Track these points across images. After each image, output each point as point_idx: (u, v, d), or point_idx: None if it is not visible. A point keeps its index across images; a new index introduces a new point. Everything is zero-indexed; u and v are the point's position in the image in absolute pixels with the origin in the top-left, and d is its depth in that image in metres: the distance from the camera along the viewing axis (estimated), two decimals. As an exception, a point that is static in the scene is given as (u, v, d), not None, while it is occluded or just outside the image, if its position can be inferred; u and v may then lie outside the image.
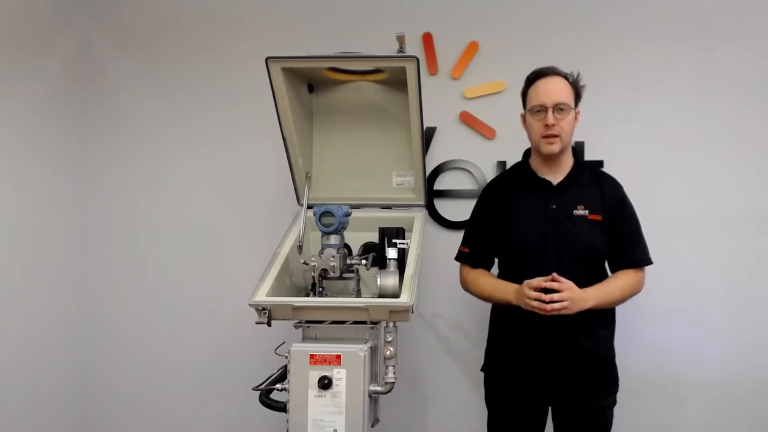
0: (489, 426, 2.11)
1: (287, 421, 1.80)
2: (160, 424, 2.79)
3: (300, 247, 2.00)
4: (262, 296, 1.85)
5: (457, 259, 2.15)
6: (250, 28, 2.72)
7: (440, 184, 2.60)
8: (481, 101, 2.57)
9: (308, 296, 2.05)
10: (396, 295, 1.85)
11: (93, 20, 2.81)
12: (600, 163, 2.46)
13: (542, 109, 1.91)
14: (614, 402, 2.02)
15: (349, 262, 2.02)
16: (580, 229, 1.94)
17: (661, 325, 2.47)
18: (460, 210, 2.49)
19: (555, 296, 1.80)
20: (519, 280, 1.91)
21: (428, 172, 2.49)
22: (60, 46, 2.70)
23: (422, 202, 2.28)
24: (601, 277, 2.00)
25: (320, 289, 2.03)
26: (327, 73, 2.22)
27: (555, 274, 1.83)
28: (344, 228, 2.01)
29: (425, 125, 2.21)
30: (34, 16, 2.56)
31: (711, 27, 2.45)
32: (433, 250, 2.42)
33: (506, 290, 1.95)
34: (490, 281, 2.04)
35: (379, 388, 1.81)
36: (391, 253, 1.92)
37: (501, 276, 2.06)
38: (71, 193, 2.76)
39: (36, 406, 2.57)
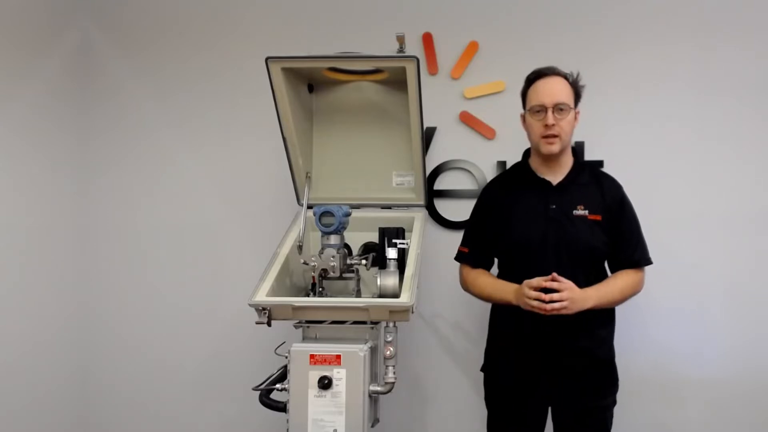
0: (489, 426, 2.11)
1: (287, 421, 1.80)
2: (160, 424, 2.79)
3: (300, 247, 2.00)
4: (262, 296, 1.85)
5: (456, 259, 2.15)
6: (250, 28, 2.72)
7: (440, 184, 2.60)
8: (481, 101, 2.57)
9: (308, 296, 2.05)
10: (396, 295, 1.85)
11: (93, 20, 2.81)
12: (600, 163, 2.46)
13: (542, 109, 1.91)
14: (614, 402, 2.02)
15: (349, 262, 2.02)
16: (579, 229, 1.94)
17: (661, 325, 2.47)
18: (460, 210, 2.50)
19: (555, 296, 1.80)
20: (519, 280, 1.91)
21: (428, 172, 2.49)
22: (60, 46, 2.70)
23: (422, 202, 2.28)
24: (601, 277, 2.00)
25: (320, 289, 2.03)
26: (327, 73, 2.22)
27: (555, 274, 1.83)
28: (344, 228, 2.01)
29: (425, 125, 2.22)
30: (34, 16, 2.56)
31: (711, 27, 2.45)
32: (433, 250, 2.42)
33: (506, 290, 1.95)
34: (489, 281, 2.04)
35: (379, 388, 1.81)
36: (391, 253, 1.92)
37: (501, 276, 2.06)
38: (71, 193, 2.76)
39: (36, 406, 2.57)
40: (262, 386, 1.85)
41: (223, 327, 2.73)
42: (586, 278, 1.93)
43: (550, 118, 1.90)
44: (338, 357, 1.78)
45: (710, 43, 2.45)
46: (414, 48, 2.53)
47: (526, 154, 2.11)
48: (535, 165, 2.04)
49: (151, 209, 2.79)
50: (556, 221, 1.94)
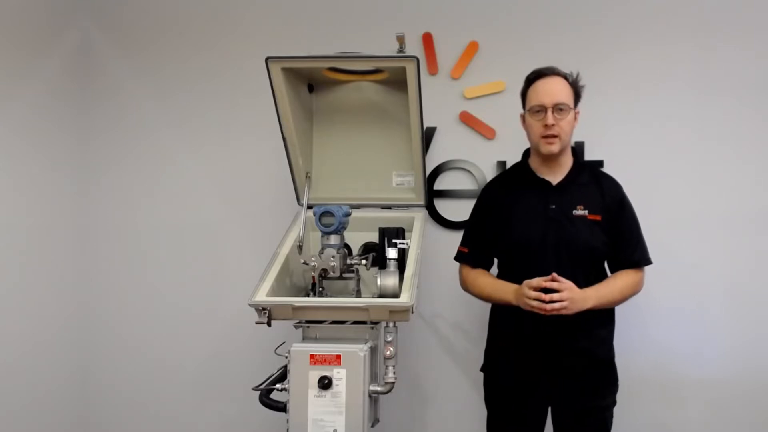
0: (489, 426, 2.11)
1: (287, 421, 1.80)
2: (160, 424, 2.79)
3: (300, 247, 2.00)
4: (262, 296, 1.85)
5: (456, 259, 2.15)
6: (250, 28, 2.72)
7: (440, 184, 2.60)
8: (481, 101, 2.57)
9: (308, 296, 2.05)
10: (396, 295, 1.85)
11: (93, 20, 2.81)
12: (600, 163, 2.46)
13: (542, 109, 1.91)
14: (614, 402, 2.02)
15: (349, 262, 2.02)
16: (579, 229, 1.94)
17: (661, 325, 2.47)
18: (460, 210, 2.49)
19: (555, 296, 1.80)
20: (518, 280, 1.91)
21: (428, 172, 2.49)
22: (60, 46, 2.70)
23: (422, 202, 2.28)
24: (601, 277, 2.00)
25: (320, 289, 2.03)
26: (327, 73, 2.22)
27: (555, 274, 1.83)
28: (344, 228, 2.01)
29: (425, 125, 2.21)
30: (34, 16, 2.56)
31: (711, 27, 2.45)
32: (433, 250, 2.42)
33: (506, 290, 1.95)
34: (489, 281, 2.04)
35: (379, 388, 1.81)
36: (391, 253, 1.92)
37: (500, 276, 2.06)
38: (71, 193, 2.76)
39: (36, 406, 2.57)
40: (262, 386, 1.85)
41: (223, 327, 2.73)
42: (586, 278, 1.93)
43: (550, 118, 1.90)
44: (338, 357, 1.78)
45: (710, 43, 2.45)
46: (414, 48, 2.53)
47: (526, 154, 2.11)
48: (535, 165, 2.04)
49: (151, 209, 2.79)
50: (556, 221, 1.94)
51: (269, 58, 2.03)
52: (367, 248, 2.17)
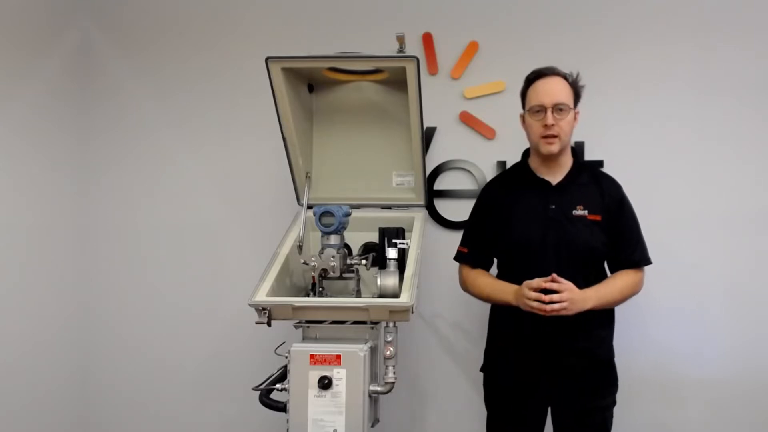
0: (488, 426, 2.11)
1: (287, 421, 1.80)
2: (160, 424, 2.79)
3: (300, 247, 2.00)
4: (262, 296, 1.85)
5: (456, 259, 2.14)
6: (250, 28, 2.72)
7: (440, 184, 2.60)
8: (481, 101, 2.57)
9: (308, 296, 2.05)
10: (396, 295, 1.85)
11: (93, 20, 2.81)
12: (600, 163, 2.46)
13: (541, 109, 1.91)
14: (614, 402, 2.02)
15: (349, 262, 2.02)
16: (579, 229, 1.93)
17: (661, 325, 2.47)
18: (460, 210, 2.49)
19: (555, 297, 1.80)
20: (518, 281, 1.91)
21: (428, 172, 2.49)
22: (60, 46, 2.70)
23: (422, 202, 2.28)
24: (601, 277, 2.00)
25: (320, 289, 2.03)
26: (327, 73, 2.22)
27: (554, 275, 1.83)
28: (344, 228, 2.01)
29: (425, 125, 2.21)
30: (34, 16, 2.56)
31: (711, 27, 2.45)
32: (433, 250, 2.42)
33: (505, 291, 1.95)
34: (489, 281, 2.04)
35: (379, 388, 1.81)
36: (391, 253, 1.92)
37: (500, 276, 2.06)
38: (71, 193, 2.76)
39: (36, 406, 2.57)
40: (262, 386, 1.85)
41: (223, 327, 2.73)
42: (586, 278, 1.93)
43: (550, 118, 1.90)
44: (338, 357, 1.78)
45: (710, 43, 2.45)
46: (414, 48, 2.53)
47: (526, 154, 2.11)
48: (535, 165, 2.04)
49: (151, 209, 2.79)
50: (556, 221, 1.94)
51: (269, 58, 2.03)
52: (367, 248, 2.17)
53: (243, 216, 2.72)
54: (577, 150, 2.43)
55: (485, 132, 2.57)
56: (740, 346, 2.43)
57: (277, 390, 1.83)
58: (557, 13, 2.53)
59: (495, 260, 2.14)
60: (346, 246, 2.09)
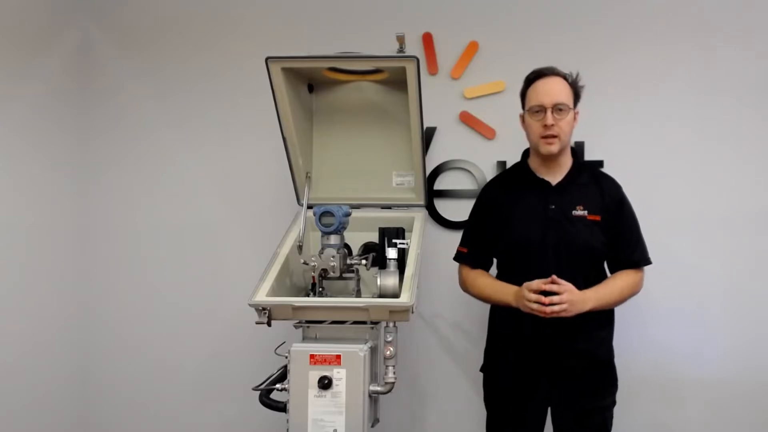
0: (488, 427, 2.11)
1: (287, 421, 1.80)
2: (160, 424, 2.79)
3: (300, 247, 2.00)
4: (262, 296, 1.85)
5: (455, 259, 2.14)
6: (250, 28, 2.72)
7: (440, 184, 2.60)
8: (481, 101, 2.57)
9: (308, 296, 2.05)
10: (396, 295, 1.85)
11: (93, 20, 2.81)
12: (600, 163, 2.46)
13: (541, 109, 1.91)
14: (614, 403, 2.02)
15: (349, 262, 2.02)
16: (579, 229, 1.93)
17: (661, 325, 2.47)
18: (460, 210, 2.49)
19: (554, 299, 1.80)
20: (518, 281, 1.91)
21: (428, 172, 2.49)
22: (60, 46, 2.70)
23: (422, 202, 2.28)
24: (601, 277, 2.00)
25: (320, 289, 2.03)
26: (327, 73, 2.22)
27: (554, 276, 1.83)
28: (344, 228, 2.01)
29: (425, 125, 2.21)
30: (34, 16, 2.56)
31: (711, 27, 2.45)
32: (433, 250, 2.42)
33: (505, 292, 1.95)
34: (489, 282, 2.04)
35: (379, 388, 1.81)
36: (391, 253, 1.92)
37: (500, 276, 2.06)
38: (71, 193, 2.76)
39: (36, 406, 2.57)
40: (262, 386, 1.85)
41: (223, 327, 2.73)
42: (586, 278, 1.93)
43: (549, 118, 1.90)
44: (338, 357, 1.78)
45: (710, 43, 2.45)
46: (414, 48, 2.53)
47: (525, 154, 2.11)
48: (535, 165, 2.04)
49: (151, 209, 2.79)
50: (556, 221, 1.94)
51: (269, 58, 2.03)
52: (367, 248, 2.17)
53: (243, 216, 2.72)
54: (577, 150, 2.43)
55: (485, 132, 2.57)
56: (740, 346, 2.43)
57: (277, 390, 1.83)
58: (557, 13, 2.53)
59: (495, 260, 2.14)
60: (346, 246, 2.09)
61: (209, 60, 2.74)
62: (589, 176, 2.03)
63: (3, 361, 2.42)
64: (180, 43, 2.76)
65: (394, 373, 1.81)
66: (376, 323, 1.86)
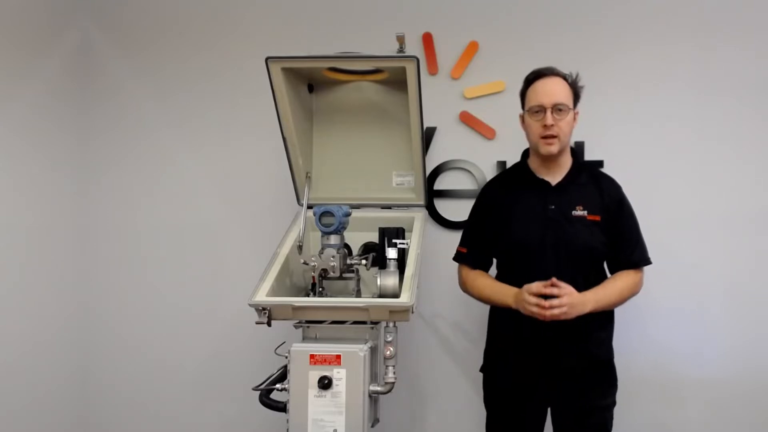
0: (488, 427, 2.11)
1: (287, 421, 1.80)
2: (160, 424, 2.79)
3: (300, 247, 2.00)
4: (262, 296, 1.85)
5: (455, 259, 2.14)
6: (250, 28, 2.72)
7: (440, 184, 2.60)
8: (481, 101, 2.57)
9: (308, 296, 2.05)
10: (396, 295, 1.84)
11: (93, 20, 2.81)
12: (600, 163, 2.46)
13: (541, 109, 1.91)
14: (614, 403, 2.02)
15: (349, 262, 2.02)
16: (578, 229, 1.93)
17: (661, 325, 2.47)
18: (460, 210, 2.49)
19: (554, 302, 1.80)
20: (518, 281, 1.91)
21: (428, 172, 2.49)
22: (60, 46, 2.70)
23: (422, 202, 2.28)
24: (600, 277, 2.00)
25: (320, 289, 2.03)
26: (327, 73, 2.22)
27: (554, 279, 1.82)
28: (344, 228, 2.01)
29: (425, 125, 2.21)
30: (34, 16, 2.56)
31: (711, 27, 2.45)
32: (433, 250, 2.42)
33: (505, 293, 1.95)
34: (489, 283, 2.04)
35: (379, 388, 1.81)
36: (391, 253, 1.92)
37: (499, 276, 2.06)
38: (71, 193, 2.76)
39: (36, 406, 2.57)
40: (262, 386, 1.85)
41: (223, 327, 2.73)
42: (585, 279, 1.92)
43: (549, 118, 1.90)
44: (338, 357, 1.78)
45: (710, 43, 2.45)
46: (414, 48, 2.53)
47: (525, 154, 2.11)
48: (534, 165, 2.04)
49: (151, 209, 2.79)
50: (555, 222, 1.94)
51: (269, 58, 2.03)
52: (367, 248, 2.17)
53: (243, 216, 2.72)
54: (577, 150, 2.42)
55: (485, 132, 2.57)
56: (740, 346, 2.43)
57: (277, 390, 1.83)
58: (557, 13, 2.53)
59: (494, 260, 2.13)
60: (346, 246, 2.09)
61: (209, 60, 2.74)
62: (588, 176, 2.03)
63: (3, 361, 2.42)
64: (180, 43, 2.76)
65: (394, 373, 1.81)
66: (376, 323, 1.86)
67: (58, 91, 2.68)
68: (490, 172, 2.54)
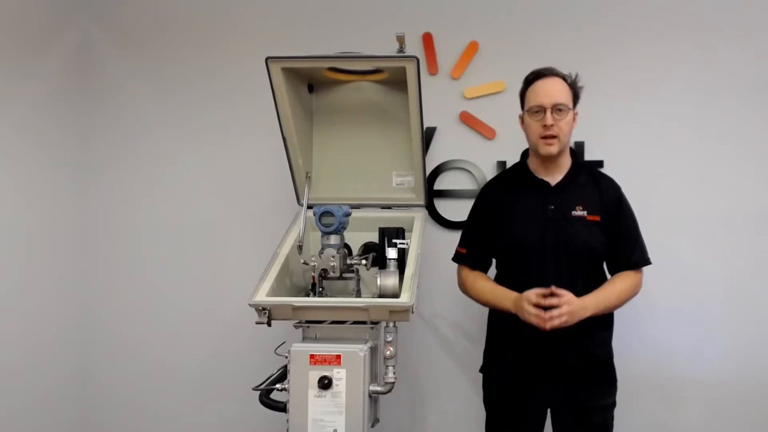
0: (487, 427, 2.11)
1: (287, 421, 1.80)
2: (160, 424, 2.79)
3: (300, 247, 2.00)
4: (262, 296, 1.85)
5: (454, 260, 2.13)
6: (250, 28, 2.72)
7: (440, 184, 2.60)
8: (481, 101, 2.57)
9: (308, 296, 2.05)
10: (396, 295, 1.84)
11: (93, 20, 2.81)
12: (600, 163, 2.46)
13: (541, 109, 1.91)
14: (614, 403, 2.01)
15: (349, 262, 2.02)
16: (578, 229, 1.93)
17: (660, 325, 2.47)
18: (460, 210, 2.49)
19: (554, 313, 1.80)
20: (517, 281, 1.91)
21: (428, 172, 2.49)
22: (60, 46, 2.70)
23: (422, 202, 2.28)
24: (600, 277, 2.00)
25: (320, 289, 2.03)
26: (327, 73, 2.22)
27: (553, 288, 1.82)
28: (344, 228, 2.01)
29: (425, 125, 2.21)
30: (34, 16, 2.56)
31: (711, 27, 2.45)
32: (433, 250, 2.42)
33: (505, 297, 1.94)
34: (488, 286, 2.03)
35: (379, 388, 1.81)
36: (391, 253, 1.92)
37: (499, 276, 2.06)
38: (71, 193, 2.76)
39: (36, 406, 2.57)
40: (262, 386, 1.85)
41: (223, 327, 2.73)
42: (585, 279, 1.93)
43: (549, 118, 1.89)
44: (338, 357, 1.78)
45: (710, 43, 2.45)
46: (414, 48, 2.53)
47: (524, 154, 2.11)
48: (534, 166, 2.04)
49: (151, 209, 2.79)
50: (555, 222, 1.94)
51: (269, 58, 2.03)
52: (367, 248, 2.17)
53: (243, 216, 2.72)
54: (576, 151, 2.43)
55: (485, 132, 2.57)
56: (740, 346, 2.43)
57: (277, 390, 1.83)
58: (557, 13, 2.53)
59: (493, 261, 2.13)
60: (346, 246, 2.09)
61: (209, 60, 2.74)
62: (587, 176, 2.03)
63: (3, 361, 2.42)
64: (180, 43, 2.76)
65: (394, 373, 1.81)
66: (376, 323, 1.86)
67: (58, 91, 2.68)
68: (490, 172, 2.54)
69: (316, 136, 2.35)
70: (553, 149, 1.92)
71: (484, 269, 2.11)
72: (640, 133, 2.48)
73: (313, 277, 2.00)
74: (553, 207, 1.96)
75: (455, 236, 2.22)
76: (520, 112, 2.03)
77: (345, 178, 2.31)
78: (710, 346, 2.45)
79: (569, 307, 1.81)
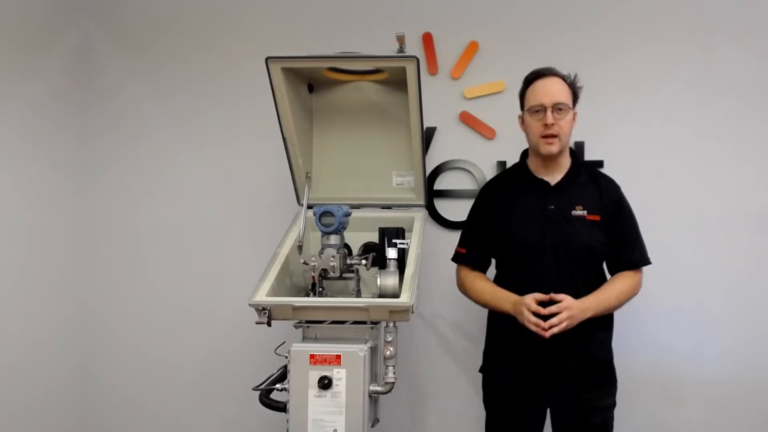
0: (487, 427, 2.11)
1: (287, 421, 1.80)
2: (160, 424, 2.79)
3: (300, 247, 2.00)
4: (262, 296, 1.85)
5: (454, 260, 2.14)
6: (250, 28, 2.72)
7: (440, 184, 2.60)
8: (481, 101, 2.57)
9: (308, 296, 2.05)
10: (396, 295, 1.84)
11: (93, 20, 2.81)
12: (600, 163, 2.46)
13: (541, 109, 1.91)
14: (614, 404, 2.01)
15: (349, 262, 2.02)
16: (578, 229, 1.93)
17: (660, 325, 2.47)
18: (460, 210, 2.49)
19: (554, 321, 1.80)
20: (517, 281, 1.91)
21: (428, 172, 2.49)
22: (60, 46, 2.70)
23: (422, 202, 2.28)
24: (600, 277, 2.00)
25: (320, 289, 2.03)
26: (327, 73, 2.22)
27: (553, 295, 1.82)
28: (344, 228, 2.01)
29: (425, 125, 2.21)
30: (34, 16, 2.56)
31: (711, 27, 2.45)
32: (433, 250, 2.42)
33: (504, 299, 1.94)
34: (488, 288, 2.02)
35: (379, 388, 1.81)
36: (391, 253, 1.92)
37: (498, 276, 2.06)
38: (71, 193, 2.76)
39: (36, 406, 2.57)
40: (262, 386, 1.85)
41: (223, 327, 2.73)
42: (585, 279, 1.93)
43: (550, 117, 1.90)
44: (338, 357, 1.78)
45: (710, 43, 2.45)
46: (414, 48, 2.53)
47: (524, 154, 2.11)
48: (534, 166, 2.04)
49: (151, 209, 2.79)
50: (555, 222, 1.94)
51: (269, 58, 2.03)
52: (367, 248, 2.17)
53: (243, 216, 2.72)
54: (576, 151, 2.43)
55: (485, 132, 2.57)
56: (740, 346, 2.43)
57: (277, 390, 1.83)
58: (557, 13, 2.53)
59: (493, 261, 2.13)
60: (346, 246, 2.09)
61: (209, 60, 2.74)
62: (587, 176, 2.03)
63: (3, 361, 2.42)
64: (180, 43, 2.76)
65: (394, 373, 1.81)
66: (376, 323, 1.86)
67: (58, 91, 2.68)
68: (490, 172, 2.54)
69: (316, 136, 2.35)
70: (554, 148, 1.92)
71: (484, 269, 2.11)
72: (640, 133, 2.48)
73: (313, 277, 2.00)
74: (552, 207, 1.96)
75: (455, 236, 2.22)
76: (519, 112, 2.03)
77: (345, 178, 2.31)
78: (710, 346, 2.45)
79: (569, 312, 1.81)
